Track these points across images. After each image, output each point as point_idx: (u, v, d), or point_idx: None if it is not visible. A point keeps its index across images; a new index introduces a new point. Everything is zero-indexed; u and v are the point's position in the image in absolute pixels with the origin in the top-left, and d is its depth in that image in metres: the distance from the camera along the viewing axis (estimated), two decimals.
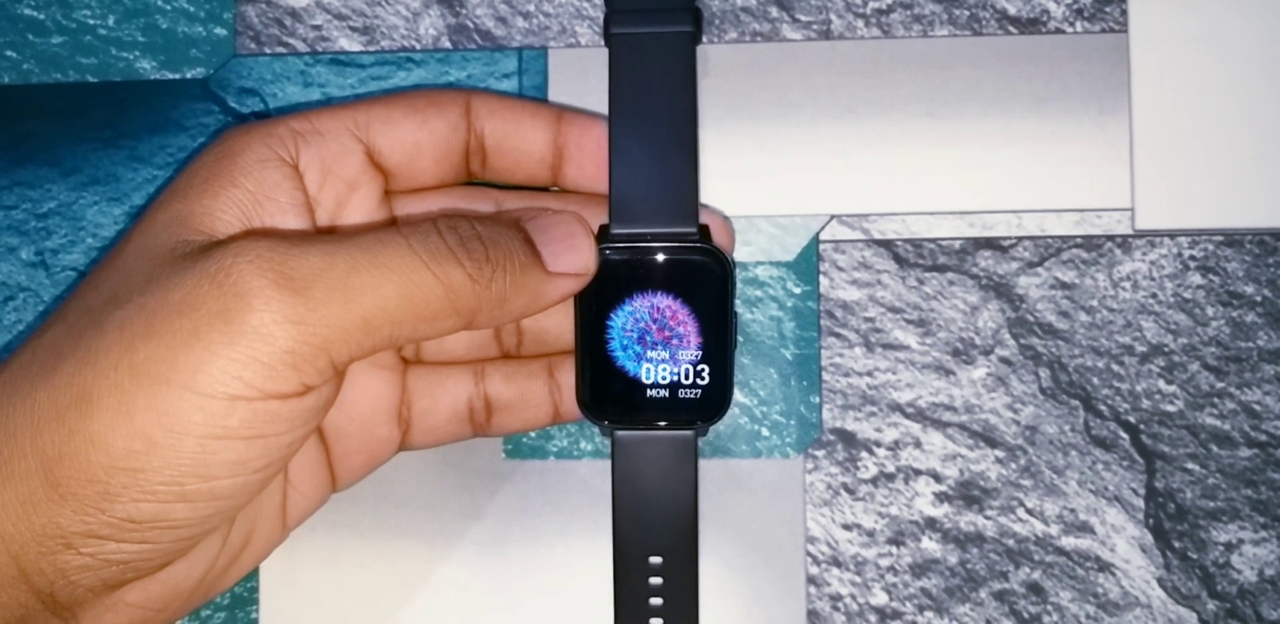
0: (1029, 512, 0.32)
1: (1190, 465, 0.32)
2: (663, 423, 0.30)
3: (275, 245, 0.25)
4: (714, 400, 0.30)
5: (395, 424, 0.31)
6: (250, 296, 0.24)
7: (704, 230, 0.30)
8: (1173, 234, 0.33)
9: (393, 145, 0.29)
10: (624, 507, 0.30)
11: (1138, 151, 0.32)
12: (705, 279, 0.30)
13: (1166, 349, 0.32)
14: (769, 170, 0.33)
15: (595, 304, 0.30)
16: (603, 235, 0.30)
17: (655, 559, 0.30)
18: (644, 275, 0.30)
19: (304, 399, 0.25)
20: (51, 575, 0.25)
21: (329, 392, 0.26)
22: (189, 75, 0.34)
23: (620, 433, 0.30)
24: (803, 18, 0.33)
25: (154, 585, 0.27)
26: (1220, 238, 0.32)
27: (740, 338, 0.33)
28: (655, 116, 0.30)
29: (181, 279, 0.25)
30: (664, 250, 0.30)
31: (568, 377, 0.31)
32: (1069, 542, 0.32)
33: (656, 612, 0.30)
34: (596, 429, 0.33)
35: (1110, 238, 0.33)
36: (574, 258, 0.28)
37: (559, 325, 0.31)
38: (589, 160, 0.30)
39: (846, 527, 0.33)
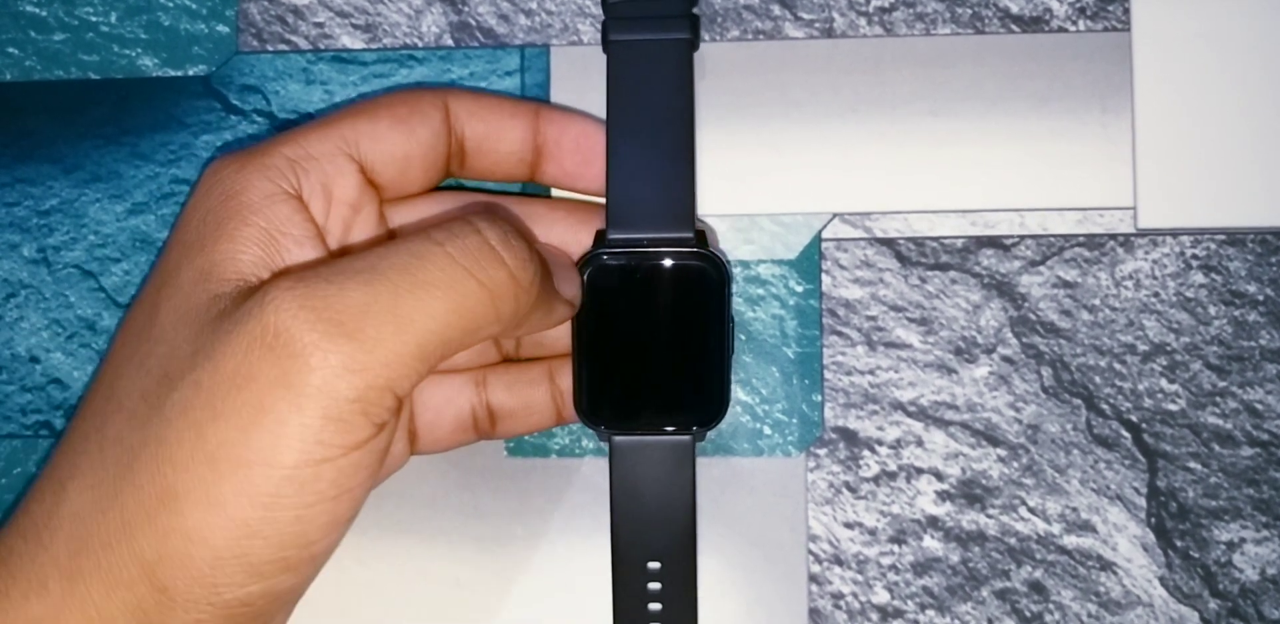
0: (1031, 510, 0.32)
1: (1192, 464, 0.32)
2: (660, 428, 0.30)
3: (313, 288, 0.24)
4: (711, 406, 0.30)
5: (406, 438, 0.31)
6: (305, 355, 0.23)
7: (700, 235, 0.30)
8: (1175, 233, 0.33)
9: (384, 160, 0.29)
10: (622, 512, 0.30)
11: (1140, 150, 0.32)
12: (702, 284, 0.30)
13: (1168, 348, 0.32)
14: (771, 168, 0.33)
15: (592, 309, 0.30)
16: (600, 240, 0.30)
17: (654, 564, 0.30)
18: (641, 280, 0.30)
19: (379, 440, 0.25)
20: None
21: (394, 424, 0.26)
22: (191, 72, 0.34)
23: (618, 438, 0.30)
24: (805, 16, 0.33)
25: None
26: (1222, 237, 0.32)
27: (742, 336, 0.33)
28: (653, 122, 0.30)
29: (229, 347, 0.24)
30: (661, 255, 0.30)
31: (569, 381, 0.31)
32: (1071, 540, 0.32)
33: (655, 617, 0.30)
34: None
35: (1112, 237, 0.33)
36: (569, 286, 0.29)
37: (556, 329, 0.31)
38: (568, 157, 0.30)
39: (848, 525, 0.33)
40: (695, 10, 0.31)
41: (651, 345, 0.30)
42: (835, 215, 0.33)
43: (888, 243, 0.33)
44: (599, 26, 0.33)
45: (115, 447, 0.25)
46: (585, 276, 0.29)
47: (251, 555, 0.24)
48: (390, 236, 0.30)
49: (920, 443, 0.33)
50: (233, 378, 0.24)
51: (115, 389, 0.26)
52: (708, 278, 0.30)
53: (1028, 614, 0.32)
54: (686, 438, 0.30)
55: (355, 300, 0.24)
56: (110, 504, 0.24)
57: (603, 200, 0.30)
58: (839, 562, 0.33)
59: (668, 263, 0.30)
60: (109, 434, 0.25)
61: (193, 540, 0.24)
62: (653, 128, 0.30)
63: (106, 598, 0.24)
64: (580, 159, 0.30)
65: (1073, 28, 0.33)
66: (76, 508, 0.25)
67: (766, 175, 0.33)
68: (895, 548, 0.32)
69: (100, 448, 0.25)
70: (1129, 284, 0.32)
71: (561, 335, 0.31)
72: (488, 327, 0.26)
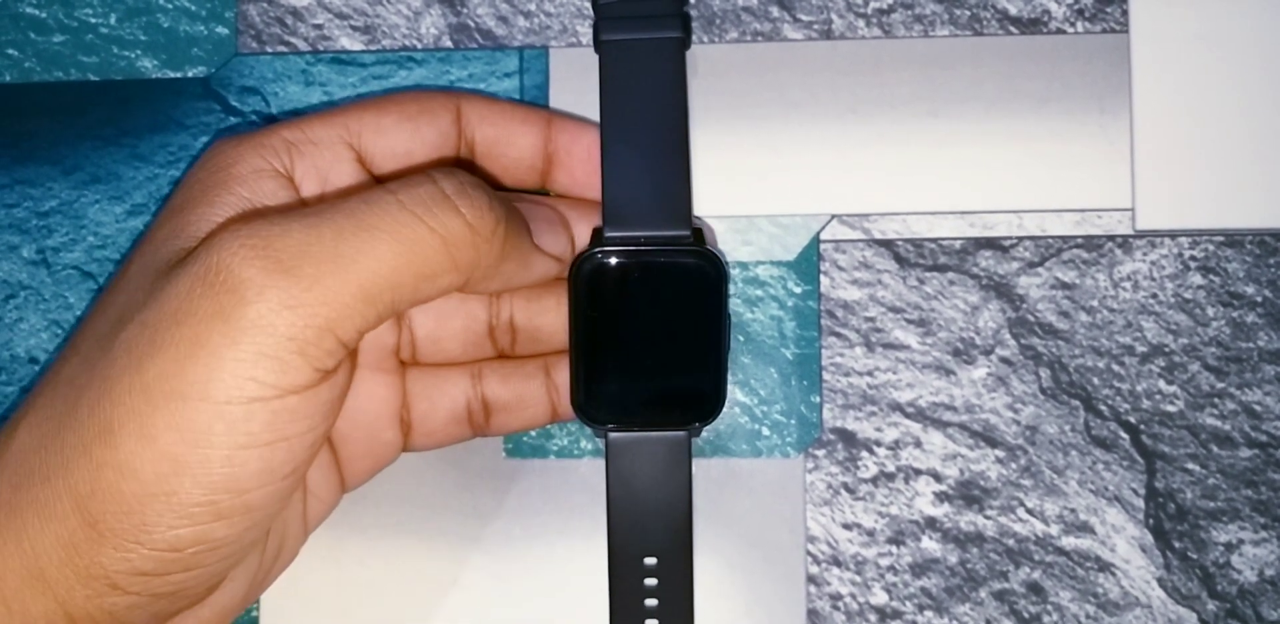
0: (1029, 511, 0.32)
1: (1190, 466, 0.32)
2: (656, 424, 0.30)
3: (256, 228, 0.24)
4: (708, 402, 0.30)
5: (397, 428, 0.31)
6: (242, 289, 0.24)
7: (697, 233, 0.30)
8: (1173, 234, 0.33)
9: (385, 155, 0.29)
10: (619, 508, 0.30)
11: (1138, 152, 0.32)
12: (699, 282, 0.30)
13: (1167, 349, 0.32)
14: (770, 169, 0.33)
15: (589, 306, 0.30)
16: (596, 238, 0.30)
17: (650, 560, 0.30)
18: (638, 278, 0.30)
19: (319, 391, 0.25)
20: (101, 619, 0.25)
21: (342, 380, 0.26)
22: (190, 74, 0.34)
23: (614, 434, 0.30)
24: (804, 17, 0.33)
25: (204, 611, 0.27)
26: (1221, 238, 0.32)
27: (740, 337, 0.33)
28: (647, 121, 0.30)
29: (175, 287, 0.25)
30: (657, 253, 0.30)
31: (565, 376, 0.31)
32: (1069, 542, 0.32)
33: (652, 613, 0.30)
34: None
35: (1111, 238, 0.33)
36: (555, 240, 0.29)
37: (553, 324, 0.31)
38: (579, 166, 0.30)
39: (846, 526, 0.33)
40: (687, 9, 0.31)
41: (648, 342, 0.30)
42: (833, 217, 0.33)
43: (886, 244, 0.33)
44: None
45: (66, 387, 0.25)
46: (581, 274, 0.30)
47: (180, 494, 0.24)
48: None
49: (918, 444, 0.33)
50: (174, 314, 0.24)
51: (78, 339, 0.27)
52: (705, 275, 0.30)
53: (1026, 615, 0.32)
54: (683, 434, 0.30)
55: (296, 240, 0.24)
56: (52, 440, 0.25)
57: (587, 198, 0.31)
58: (837, 563, 0.33)
59: (664, 260, 0.30)
60: (62, 377, 0.26)
61: (123, 473, 0.24)
62: (647, 126, 0.30)
63: (39, 531, 0.24)
64: (592, 168, 0.30)
65: (1071, 29, 0.33)
66: (21, 445, 0.25)
67: (765, 176, 0.33)
68: (893, 549, 0.32)
69: (53, 389, 0.26)
70: (1127, 285, 0.33)
71: (558, 332, 0.31)
72: (444, 275, 0.25)
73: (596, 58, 0.30)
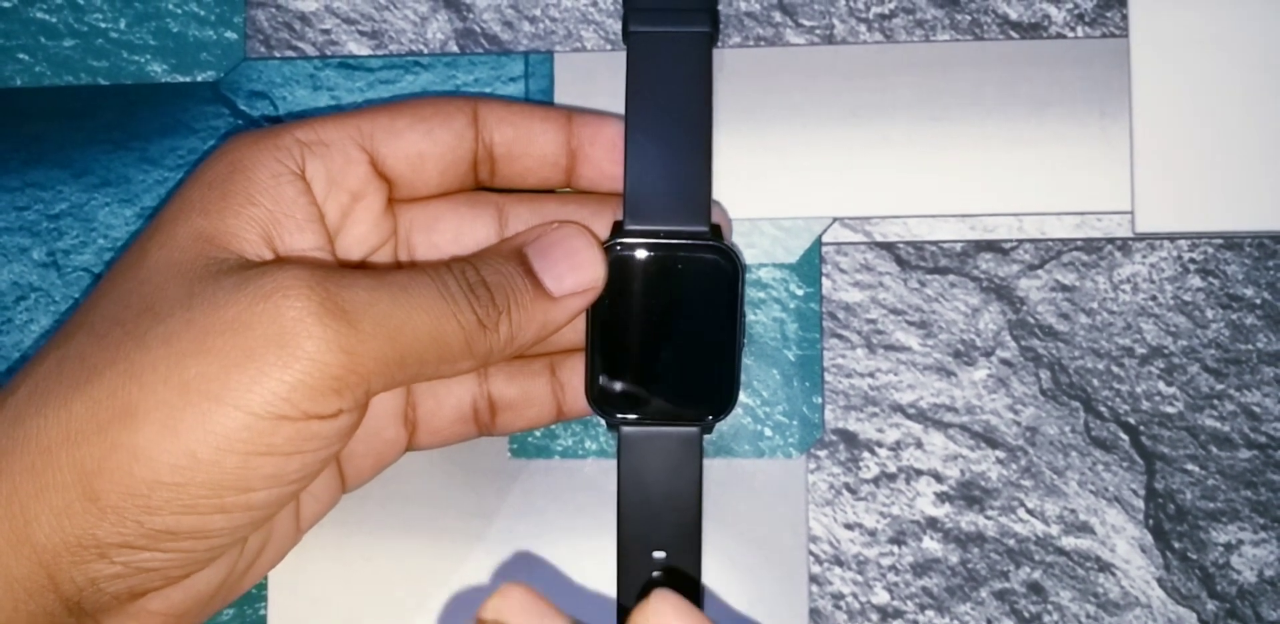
0: (1029, 512, 0.33)
1: (1190, 467, 0.32)
2: (669, 418, 0.30)
3: (327, 275, 0.26)
4: (721, 397, 0.30)
5: (401, 426, 0.31)
6: (307, 321, 0.25)
7: (716, 229, 0.30)
8: (1173, 237, 0.33)
9: (397, 156, 0.30)
10: (629, 502, 0.30)
11: (1138, 155, 0.33)
12: (716, 277, 0.30)
13: (1166, 351, 0.33)
14: (772, 173, 0.33)
15: (606, 299, 0.30)
16: (616, 231, 0.30)
17: (659, 554, 0.30)
18: (656, 272, 0.30)
19: (339, 419, 0.26)
20: (81, 583, 0.25)
21: (360, 414, 0.27)
22: (199, 78, 0.34)
23: (626, 429, 0.30)
24: (806, 22, 0.34)
25: (176, 593, 0.27)
26: (1220, 241, 0.33)
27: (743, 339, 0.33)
28: (671, 115, 0.30)
29: (233, 297, 0.25)
30: (676, 247, 0.30)
31: (570, 374, 0.31)
32: (1069, 542, 0.32)
33: None
34: (602, 428, 0.33)
35: (1110, 240, 0.33)
36: (578, 276, 0.29)
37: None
38: (605, 157, 0.31)
39: (848, 526, 0.33)
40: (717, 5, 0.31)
41: (663, 336, 0.30)
42: (835, 219, 0.33)
43: (887, 247, 0.33)
44: (602, 33, 0.34)
45: (75, 363, 0.26)
46: None
47: (190, 487, 0.25)
48: (393, 231, 0.31)
49: (920, 445, 0.33)
50: (231, 323, 0.25)
51: (88, 317, 0.27)
52: (721, 271, 0.30)
53: (1026, 615, 0.32)
54: (694, 429, 0.30)
55: (360, 298, 0.26)
56: (57, 411, 0.25)
57: (615, 191, 0.31)
58: (839, 562, 0.33)
59: (682, 254, 0.30)
60: (70, 353, 0.26)
61: (138, 458, 0.25)
62: (671, 120, 0.30)
63: (32, 498, 0.25)
64: (616, 158, 0.31)
65: (1071, 34, 0.33)
66: (18, 412, 0.26)
67: (767, 180, 0.33)
68: (895, 549, 0.33)
69: (58, 363, 0.26)
70: (1127, 287, 0.33)
71: (565, 331, 0.31)
72: (464, 360, 0.27)
73: (602, 63, 0.31)
